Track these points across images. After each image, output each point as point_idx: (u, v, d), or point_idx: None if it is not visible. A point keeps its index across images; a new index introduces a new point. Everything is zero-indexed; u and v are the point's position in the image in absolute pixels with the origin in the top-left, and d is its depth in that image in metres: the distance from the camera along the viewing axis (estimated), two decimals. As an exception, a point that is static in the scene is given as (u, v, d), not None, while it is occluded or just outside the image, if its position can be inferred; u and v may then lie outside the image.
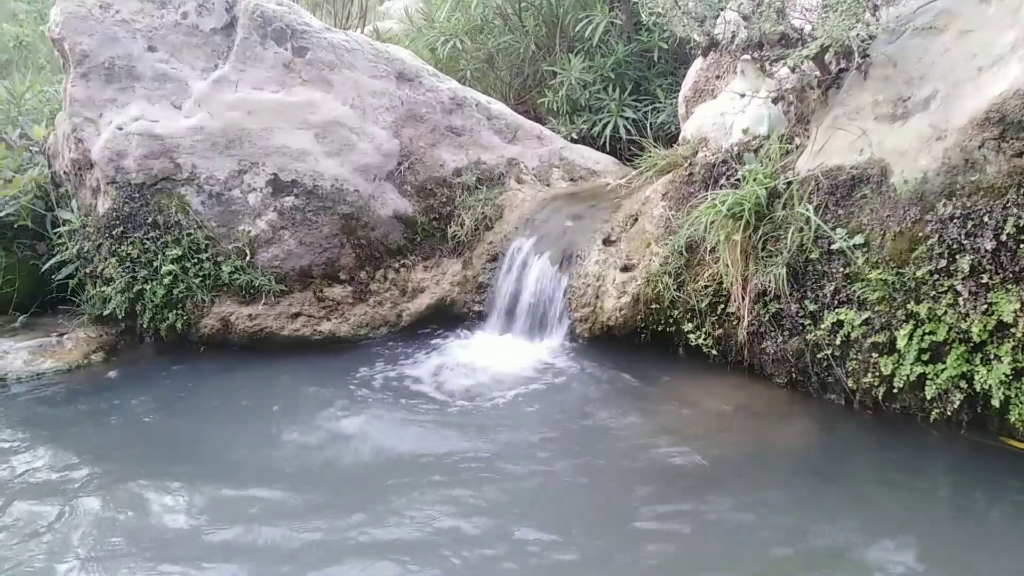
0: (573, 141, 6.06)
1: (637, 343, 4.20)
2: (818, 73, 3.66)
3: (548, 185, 5.34)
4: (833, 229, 3.31)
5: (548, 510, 2.77)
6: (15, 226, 5.27)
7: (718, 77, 4.99)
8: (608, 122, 6.25)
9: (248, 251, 4.59)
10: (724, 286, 3.74)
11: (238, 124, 4.62)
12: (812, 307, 3.43)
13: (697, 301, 3.86)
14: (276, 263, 4.66)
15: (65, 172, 4.92)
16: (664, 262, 3.99)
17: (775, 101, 3.86)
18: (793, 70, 3.68)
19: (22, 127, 5.56)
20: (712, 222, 3.67)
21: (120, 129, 4.49)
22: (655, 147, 4.55)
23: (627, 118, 6.20)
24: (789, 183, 3.54)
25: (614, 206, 4.69)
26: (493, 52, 7.43)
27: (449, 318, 4.97)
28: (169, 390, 4.09)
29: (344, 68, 4.90)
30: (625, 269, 4.22)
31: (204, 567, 2.46)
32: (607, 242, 4.42)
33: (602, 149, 6.05)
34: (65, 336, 4.56)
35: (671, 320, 4.02)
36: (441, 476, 3.02)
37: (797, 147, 3.75)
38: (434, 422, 3.55)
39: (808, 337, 3.46)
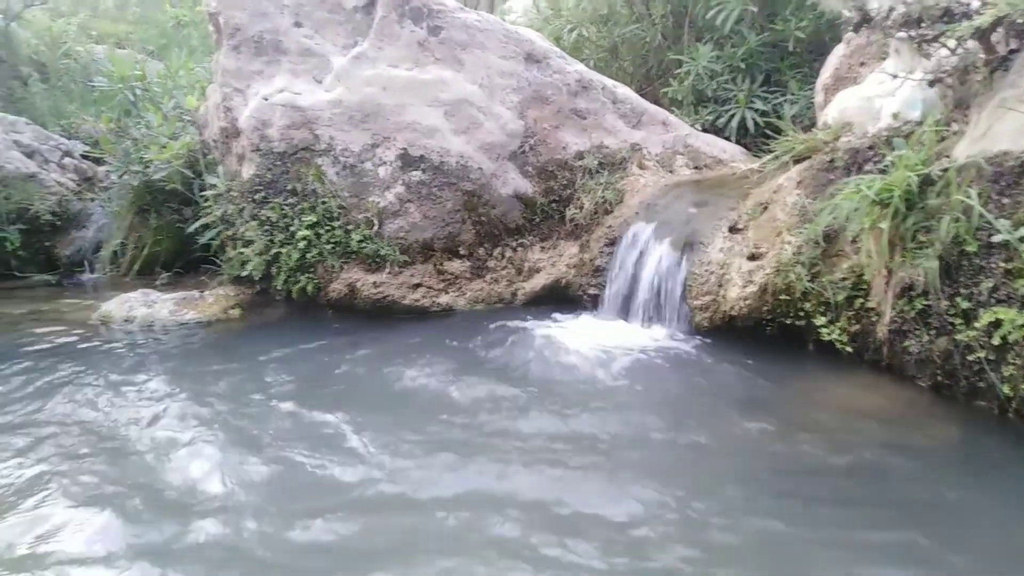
0: (698, 131, 5.91)
1: (761, 335, 4.03)
2: (983, 54, 3.39)
3: (671, 172, 5.22)
4: (996, 219, 3.05)
5: (657, 502, 2.67)
6: (166, 189, 5.70)
7: (862, 64, 4.74)
8: (735, 113, 6.07)
9: (376, 221, 4.74)
10: (864, 278, 3.53)
11: (373, 99, 4.78)
12: (965, 305, 3.18)
13: (832, 294, 3.66)
14: (401, 234, 4.80)
15: (213, 140, 5.26)
16: (797, 251, 3.81)
17: (931, 84, 3.61)
18: (954, 50, 3.43)
19: (176, 99, 5.98)
20: (855, 209, 3.46)
21: (266, 100, 4.75)
22: (793, 130, 4.35)
23: (756, 109, 6.00)
24: (945, 170, 3.29)
25: (742, 194, 4.53)
26: (617, 41, 7.38)
27: (563, 300, 4.96)
28: (298, 344, 4.31)
29: (475, 48, 4.98)
30: (752, 258, 4.06)
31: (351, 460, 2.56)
32: (733, 230, 4.27)
33: (726, 140, 5.87)
34: (207, 292, 4.88)
35: (801, 313, 3.83)
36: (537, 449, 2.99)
37: (955, 133, 3.49)
38: (543, 398, 3.52)
39: (958, 337, 3.20)
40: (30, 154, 6.84)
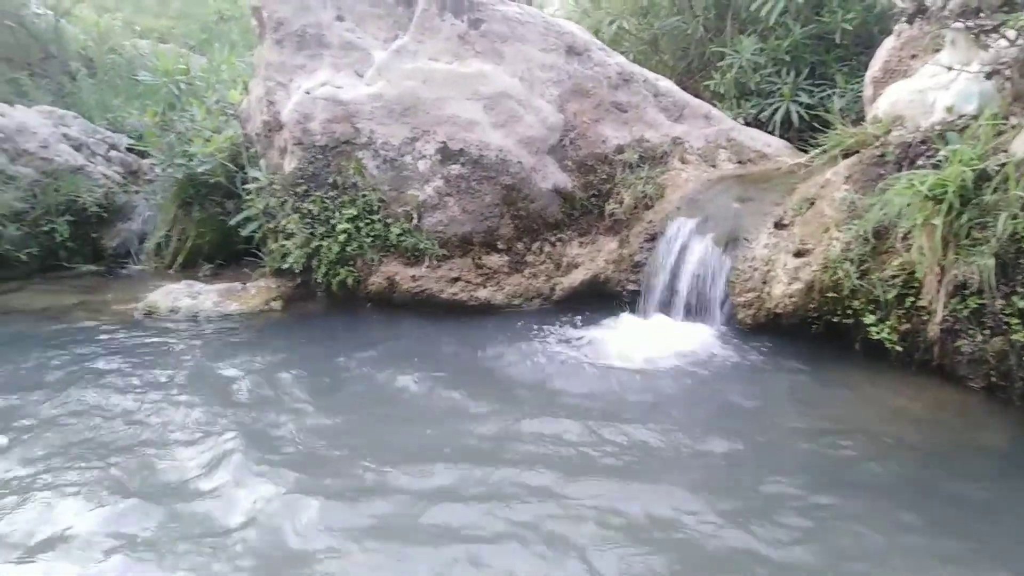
0: (740, 124, 5.81)
1: (805, 333, 3.96)
2: (1047, 45, 3.27)
3: (714, 166, 5.14)
4: (1058, 216, 2.94)
5: (707, 500, 2.64)
6: (210, 182, 5.79)
7: (913, 56, 4.60)
8: (779, 106, 5.95)
9: (415, 215, 4.76)
10: (916, 276, 3.43)
11: (414, 93, 4.79)
12: (1022, 304, 3.08)
13: (882, 291, 3.57)
14: (440, 228, 4.81)
15: (256, 134, 5.32)
16: (845, 248, 3.73)
17: (988, 76, 3.49)
18: (1014, 41, 3.31)
19: (219, 93, 6.07)
20: (907, 205, 3.37)
21: (308, 93, 4.79)
22: (842, 124, 4.24)
23: (801, 103, 5.87)
24: (1003, 165, 3.18)
25: (787, 189, 4.44)
26: (658, 34, 7.28)
27: (602, 295, 4.92)
28: (337, 336, 4.38)
29: (515, 41, 4.96)
30: (798, 254, 3.98)
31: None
32: (779, 225, 4.20)
33: (770, 135, 5.76)
34: (249, 284, 4.95)
35: (849, 311, 3.75)
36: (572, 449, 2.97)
37: (1013, 127, 3.36)
38: (580, 397, 3.48)
39: (1014, 337, 3.10)
40: (78, 147, 7.00)
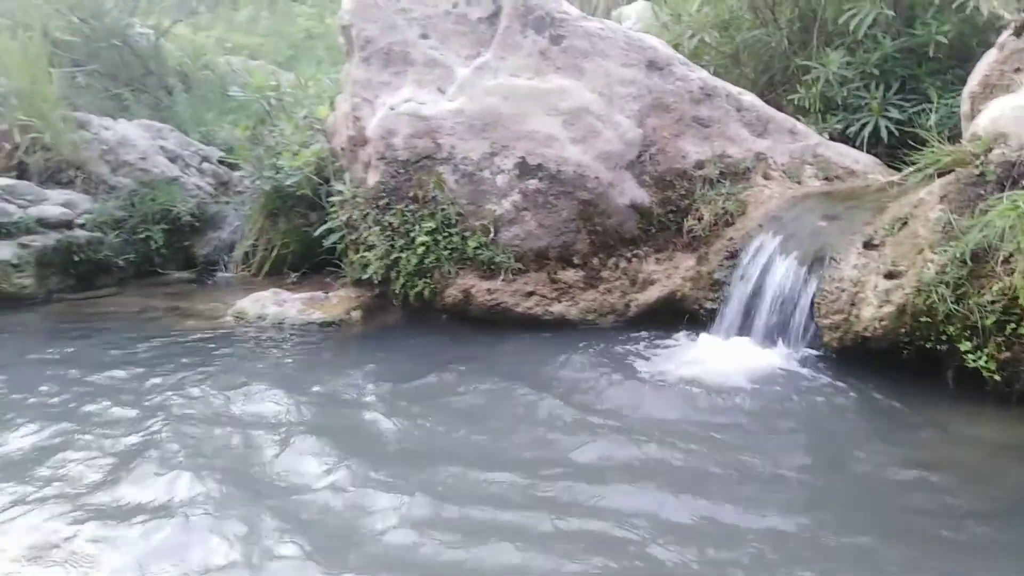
0: (825, 140, 5.64)
1: (895, 359, 3.78)
2: None
3: (799, 183, 5.01)
4: None
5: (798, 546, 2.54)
6: (295, 195, 6.01)
7: (1017, 70, 4.37)
8: (867, 122, 5.75)
9: (492, 228, 4.81)
10: (1019, 302, 3.25)
11: (494, 109, 4.86)
12: None
13: (981, 317, 3.39)
14: (516, 242, 4.85)
15: (341, 148, 5.50)
16: (940, 270, 3.56)
17: (1105, 92, 3.28)
18: None
19: (307, 108, 6.31)
20: (1010, 227, 3.21)
21: (392, 109, 4.92)
22: (938, 141, 4.07)
23: (890, 118, 5.66)
24: (1121, 187, 2.99)
25: (877, 207, 4.28)
26: (740, 47, 7.16)
27: (678, 313, 4.85)
28: (415, 346, 4.51)
29: (596, 56, 4.97)
30: (890, 276, 3.83)
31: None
32: (868, 245, 4.05)
33: (858, 151, 5.57)
34: (331, 293, 5.11)
35: (944, 336, 3.57)
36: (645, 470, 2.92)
37: None
38: (658, 419, 3.41)
39: None
40: (173, 159, 7.39)
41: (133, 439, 3.11)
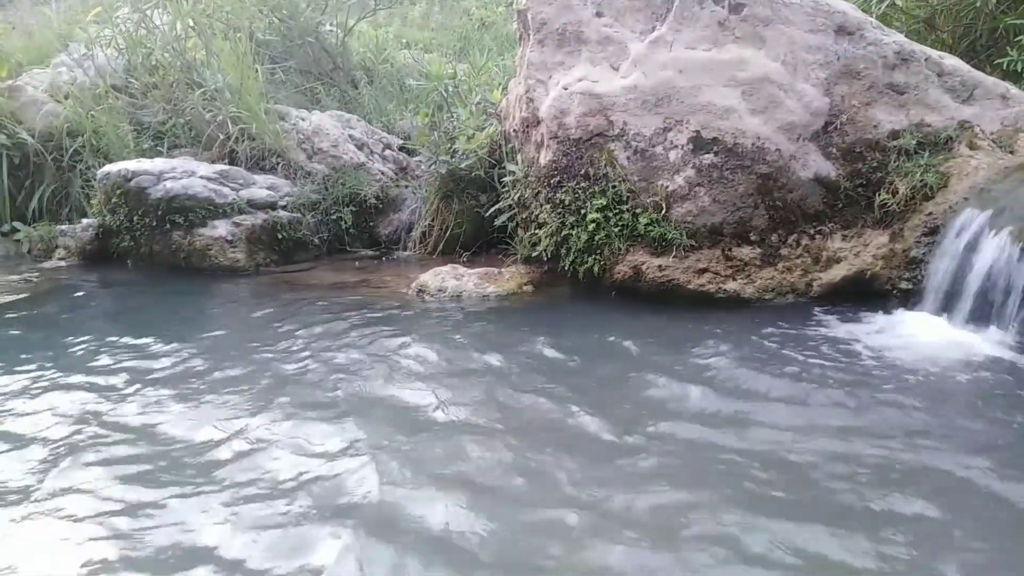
0: (1048, 104, 4.99)
1: None
2: None
3: (1012, 152, 4.49)
4: None
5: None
6: (467, 177, 6.28)
7: None
8: (1100, 82, 5.03)
9: (664, 205, 4.76)
10: None
11: (668, 83, 4.78)
12: None
13: None
14: (688, 219, 4.76)
15: (514, 130, 5.66)
16: None
17: None
18: None
19: (481, 94, 6.55)
20: None
21: (565, 89, 4.99)
22: None
23: None
24: None
25: (1116, 176, 3.75)
26: (937, 9, 6.51)
27: (866, 293, 4.54)
28: (587, 320, 4.59)
29: (779, 23, 4.74)
30: None
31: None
32: (1103, 219, 3.56)
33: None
34: (504, 269, 5.31)
35: None
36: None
37: None
38: (851, 407, 3.21)
39: None
40: (360, 146, 7.96)
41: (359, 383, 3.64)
